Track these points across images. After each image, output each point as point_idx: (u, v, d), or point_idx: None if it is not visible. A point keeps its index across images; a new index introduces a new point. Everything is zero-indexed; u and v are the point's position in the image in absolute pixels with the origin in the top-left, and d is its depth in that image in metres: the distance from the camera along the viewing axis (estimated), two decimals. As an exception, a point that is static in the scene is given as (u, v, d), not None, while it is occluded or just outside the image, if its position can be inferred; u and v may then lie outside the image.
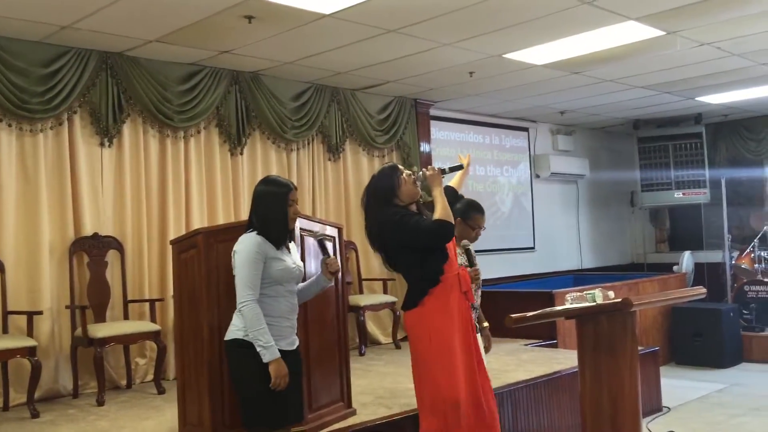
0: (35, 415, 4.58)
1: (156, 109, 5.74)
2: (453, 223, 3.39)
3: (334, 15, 4.91)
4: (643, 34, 5.63)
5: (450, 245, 3.48)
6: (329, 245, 4.12)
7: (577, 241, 10.18)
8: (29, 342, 4.69)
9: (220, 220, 6.02)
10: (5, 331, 4.93)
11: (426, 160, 7.87)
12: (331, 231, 4.27)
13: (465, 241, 3.97)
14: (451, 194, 3.84)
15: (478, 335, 3.94)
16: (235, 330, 3.08)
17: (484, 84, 7.19)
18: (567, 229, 10.06)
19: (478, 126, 8.85)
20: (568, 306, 2.77)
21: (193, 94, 5.97)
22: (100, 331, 5.00)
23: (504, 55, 6.13)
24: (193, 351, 3.78)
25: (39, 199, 5.19)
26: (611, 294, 2.74)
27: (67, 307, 5.22)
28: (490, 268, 7.37)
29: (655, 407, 6.13)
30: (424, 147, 7.94)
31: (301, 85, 6.75)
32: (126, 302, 5.51)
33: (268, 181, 3.29)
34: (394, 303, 6.70)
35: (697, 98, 8.46)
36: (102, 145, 5.55)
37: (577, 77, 7.11)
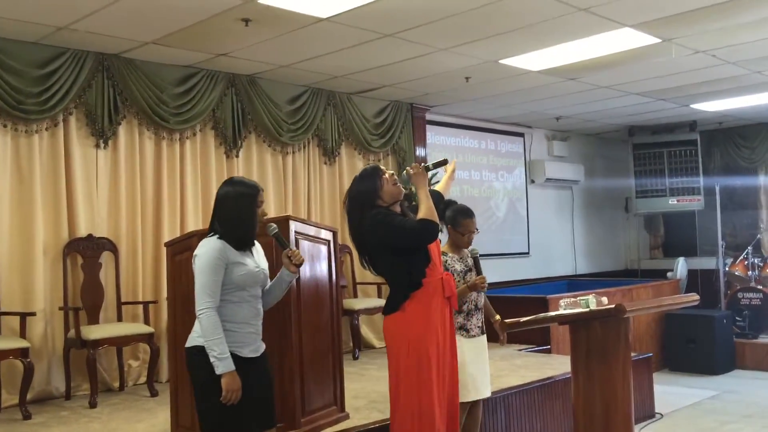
0: (27, 416, 4.57)
1: (152, 110, 5.74)
2: (438, 222, 3.31)
3: (331, 19, 4.92)
4: (639, 41, 5.66)
5: (434, 249, 3.40)
6: (326, 246, 4.13)
7: (571, 247, 10.20)
8: (22, 343, 4.67)
9: (215, 223, 6.00)
10: (-2, 332, 4.91)
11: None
12: (325, 234, 4.27)
13: (473, 248, 3.98)
14: (437, 198, 3.76)
15: (478, 339, 3.94)
16: (196, 336, 2.97)
17: (480, 89, 7.21)
18: (561, 235, 10.08)
19: (473, 131, 8.87)
20: (561, 312, 2.77)
21: (189, 97, 5.97)
22: (93, 332, 4.99)
23: (500, 61, 6.15)
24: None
25: (33, 199, 5.18)
26: (605, 300, 2.74)
27: (60, 308, 5.21)
28: (485, 272, 7.37)
29: (648, 413, 6.14)
30: (420, 151, 7.95)
31: (297, 88, 6.76)
32: (120, 304, 5.50)
33: (234, 182, 3.15)
34: (387, 307, 6.69)
35: (691, 105, 8.49)
36: (97, 146, 5.54)
37: (573, 83, 7.14)
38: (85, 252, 5.39)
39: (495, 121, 9.01)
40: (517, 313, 2.81)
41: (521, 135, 9.50)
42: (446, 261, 3.83)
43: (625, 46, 5.77)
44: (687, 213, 10.26)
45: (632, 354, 6.24)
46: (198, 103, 6.02)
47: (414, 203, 3.56)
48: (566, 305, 2.85)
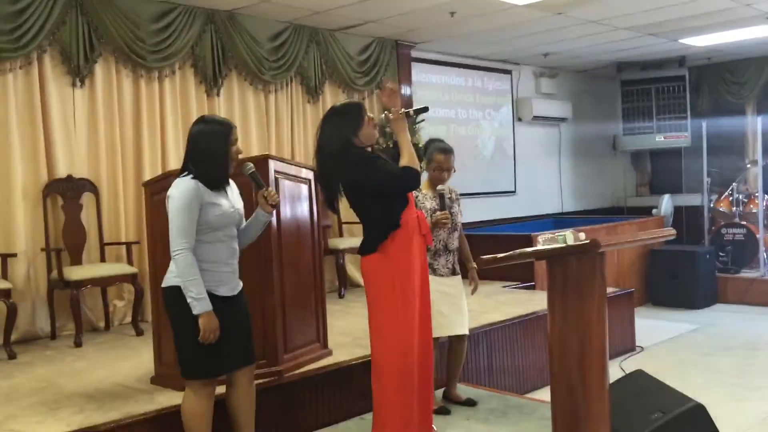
0: (12, 356, 4.60)
1: (129, 48, 5.61)
2: (419, 170, 3.26)
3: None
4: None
5: None
6: (307, 186, 4.10)
7: (558, 185, 10.20)
8: (4, 284, 4.67)
9: (197, 163, 5.94)
10: (-21, 273, 4.90)
11: (407, 103, 7.77)
12: (306, 174, 4.23)
13: (440, 187, 3.93)
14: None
15: (448, 278, 3.97)
16: (171, 277, 2.96)
17: (466, 25, 7.07)
18: (548, 173, 10.07)
19: (460, 68, 8.75)
20: (537, 247, 2.77)
21: (167, 33, 5.82)
22: (75, 273, 4.99)
23: (485, -5, 6.02)
24: (168, 293, 3.77)
25: (10, 140, 5.10)
26: (582, 236, 2.73)
27: (42, 249, 5.20)
28: (471, 211, 7.36)
29: (629, 347, 6.26)
30: (405, 90, 7.85)
31: (278, 24, 6.61)
32: (102, 245, 5.49)
33: (206, 120, 3.10)
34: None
35: (680, 40, 8.38)
36: (74, 85, 5.43)
37: (560, 18, 7.00)
38: (65, 193, 5.34)
39: (482, 58, 8.87)
40: (501, 251, 2.79)
41: (508, 72, 9.38)
42: (417, 197, 3.80)
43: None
44: (674, 150, 10.26)
45: (615, 289, 6.39)
46: (176, 40, 5.88)
47: (386, 146, 3.49)
48: (544, 241, 2.85)
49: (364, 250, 3.28)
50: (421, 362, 3.29)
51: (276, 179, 3.87)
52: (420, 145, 4.75)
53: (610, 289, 6.20)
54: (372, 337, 3.30)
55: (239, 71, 6.42)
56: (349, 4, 6.16)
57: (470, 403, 4.17)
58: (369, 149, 3.36)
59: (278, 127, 6.77)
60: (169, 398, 3.57)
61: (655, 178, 11.14)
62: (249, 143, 6.40)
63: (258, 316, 3.54)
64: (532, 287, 6.89)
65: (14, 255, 4.97)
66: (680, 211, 9.99)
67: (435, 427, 3.53)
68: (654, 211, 9.58)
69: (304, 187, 4.21)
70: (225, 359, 3.03)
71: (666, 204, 9.56)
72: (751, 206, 8.96)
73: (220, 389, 3.14)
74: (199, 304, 2.87)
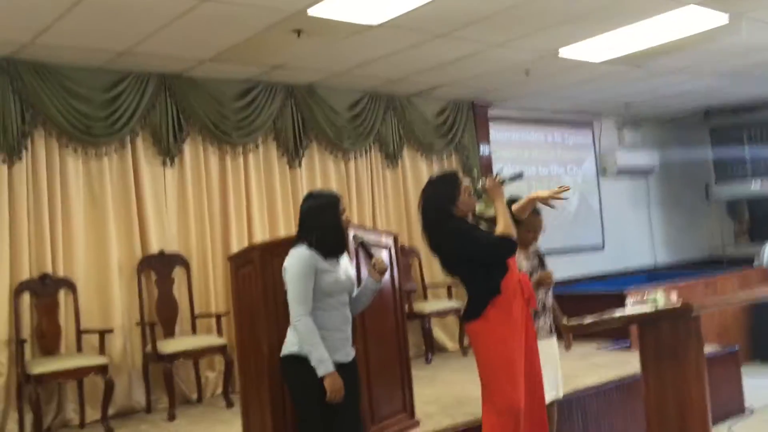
0: (109, 431, 4.71)
1: (214, 126, 5.86)
2: (515, 239, 3.32)
3: (383, 25, 4.89)
4: (705, 19, 5.36)
5: None
6: (387, 252, 4.11)
7: (649, 237, 9.83)
8: (101, 360, 4.84)
9: (281, 233, 6.08)
10: (79, 349, 5.09)
11: (486, 162, 7.76)
12: (386, 240, 4.24)
13: (534, 245, 3.89)
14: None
15: (546, 340, 3.85)
16: (290, 345, 3.07)
17: (541, 82, 7.04)
18: (638, 226, 9.73)
19: (538, 124, 8.67)
20: (626, 311, 2.65)
21: (249, 110, 6.06)
22: (168, 346, 5.12)
23: (559, 51, 5.97)
24: (254, 366, 3.80)
25: (106, 220, 5.37)
26: (674, 297, 2.60)
27: (137, 323, 5.38)
28: (557, 268, 7.16)
29: (737, 409, 5.84)
30: (484, 149, 7.83)
31: (355, 94, 6.77)
32: (193, 317, 5.63)
33: (314, 195, 3.27)
34: (459, 309, 6.61)
35: (770, 82, 8.05)
36: (164, 164, 5.69)
37: (638, 71, 6.87)
38: (158, 268, 5.53)
39: (561, 111, 8.77)
40: (591, 310, 2.71)
41: (589, 125, 9.22)
42: None
43: (690, 26, 5.50)
44: (772, 196, 9.75)
45: (718, 347, 6.01)
46: (258, 116, 6.11)
47: (483, 216, 3.52)
48: (633, 303, 2.73)
49: (467, 315, 3.38)
50: (529, 429, 3.23)
51: (356, 248, 3.89)
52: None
53: (713, 348, 5.87)
54: (482, 393, 3.33)
55: (319, 141, 6.58)
56: (422, 70, 6.25)
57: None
58: (469, 216, 3.43)
59: (359, 195, 6.85)
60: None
61: (753, 226, 10.57)
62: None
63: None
64: (628, 346, 6.58)
65: (111, 330, 5.15)
66: (784, 260, 9.41)
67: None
68: (755, 262, 9.05)
69: (385, 253, 4.21)
70: (346, 425, 3.06)
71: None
72: None
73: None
74: (323, 366, 2.94)
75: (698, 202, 10.48)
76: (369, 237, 4.07)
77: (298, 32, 4.91)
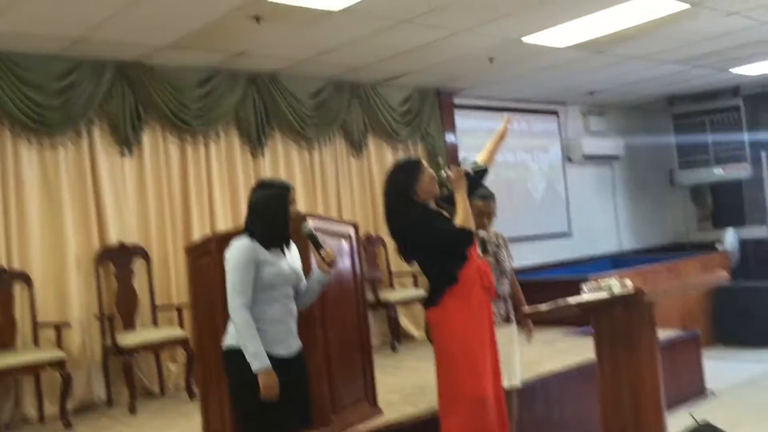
0: (68, 425, 4.63)
1: (174, 115, 5.76)
2: (473, 230, 3.32)
3: (344, 11, 4.83)
4: (666, 7, 5.41)
5: None
6: (348, 241, 4.06)
7: (615, 224, 9.93)
8: (58, 354, 4.74)
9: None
10: (36, 343, 4.99)
11: (452, 150, 7.74)
12: (346, 229, 4.21)
13: (482, 233, 3.84)
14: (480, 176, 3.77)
15: (501, 328, 3.83)
16: (230, 338, 2.98)
17: (506, 69, 7.03)
18: (604, 212, 9.82)
19: (504, 112, 8.61)
20: (580, 298, 2.65)
21: (210, 99, 5.97)
22: (128, 339, 5.04)
23: (523, 39, 5.97)
24: (213, 358, 3.75)
25: (62, 211, 5.25)
26: (629, 283, 2.60)
27: (96, 317, 5.28)
28: (525, 255, 7.22)
29: (698, 392, 5.92)
30: (449, 137, 7.82)
31: (319, 82, 6.70)
32: (154, 309, 5.55)
33: (265, 184, 3.20)
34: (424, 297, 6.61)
35: (731, 70, 8.14)
36: (122, 154, 5.58)
37: (602, 57, 6.90)
38: (117, 260, 5.43)
39: (526, 100, 8.79)
40: (553, 297, 2.70)
41: (555, 113, 9.26)
42: None
43: (651, 14, 5.53)
44: (734, 182, 9.88)
45: (679, 332, 6.08)
46: (220, 105, 6.01)
47: (448, 194, 3.51)
48: (588, 290, 2.73)
49: (427, 302, 3.41)
50: (496, 416, 3.24)
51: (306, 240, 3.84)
52: None
53: (674, 332, 5.94)
54: (438, 388, 3.31)
55: (282, 130, 6.51)
56: (386, 57, 6.20)
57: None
58: (432, 203, 3.42)
59: (324, 184, 6.80)
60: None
61: (716, 212, 10.72)
62: (296, 201, 6.41)
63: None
64: (591, 333, 6.61)
65: (68, 324, 5.05)
66: (744, 244, 9.56)
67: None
68: (718, 245, 9.19)
69: (345, 243, 4.18)
70: (284, 421, 2.97)
71: (730, 238, 9.18)
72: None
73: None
74: (257, 361, 2.85)
75: (663, 188, 10.61)
76: (328, 227, 4.04)
77: (257, 18, 4.83)
